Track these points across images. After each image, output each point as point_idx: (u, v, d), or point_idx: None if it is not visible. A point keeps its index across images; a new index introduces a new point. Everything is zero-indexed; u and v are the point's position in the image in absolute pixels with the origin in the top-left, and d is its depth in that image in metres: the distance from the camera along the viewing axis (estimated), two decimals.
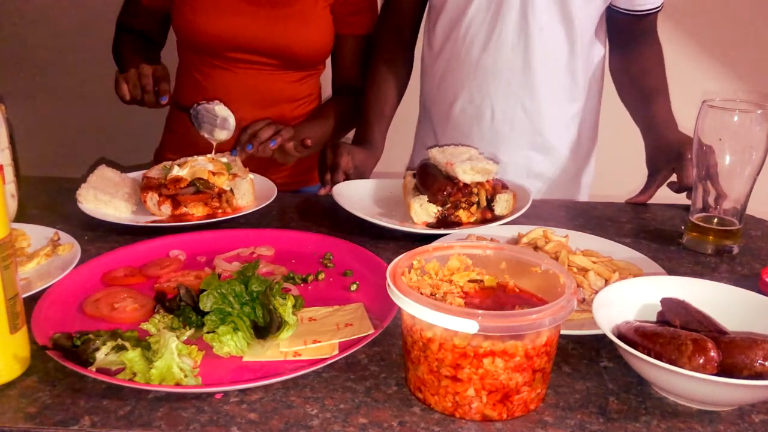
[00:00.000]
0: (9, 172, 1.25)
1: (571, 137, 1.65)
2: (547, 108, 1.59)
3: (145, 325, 0.90)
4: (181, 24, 1.62)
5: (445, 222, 1.28)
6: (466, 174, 1.27)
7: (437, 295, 0.84)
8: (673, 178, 1.44)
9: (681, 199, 1.42)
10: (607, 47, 1.65)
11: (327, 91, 1.83)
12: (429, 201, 1.28)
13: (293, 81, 1.69)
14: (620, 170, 1.94)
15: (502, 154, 1.61)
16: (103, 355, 0.82)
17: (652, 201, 1.48)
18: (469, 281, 0.88)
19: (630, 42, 1.62)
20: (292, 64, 1.66)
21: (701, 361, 0.76)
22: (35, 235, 1.17)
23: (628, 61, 1.64)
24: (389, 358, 0.88)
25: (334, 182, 1.43)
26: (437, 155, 1.35)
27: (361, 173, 1.52)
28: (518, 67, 1.54)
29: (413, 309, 0.75)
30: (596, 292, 0.91)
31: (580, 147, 1.68)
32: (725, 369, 0.77)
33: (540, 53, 1.53)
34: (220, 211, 1.32)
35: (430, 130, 1.72)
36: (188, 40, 1.64)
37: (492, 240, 1.17)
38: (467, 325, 0.72)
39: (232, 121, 1.47)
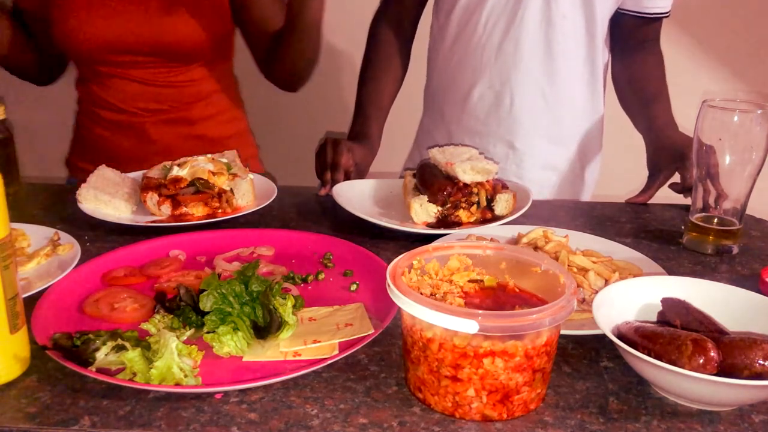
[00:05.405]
0: None
1: (585, 130, 1.65)
2: (567, 98, 1.59)
3: (145, 325, 0.90)
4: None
5: (445, 222, 1.28)
6: (466, 174, 1.27)
7: (437, 295, 0.84)
8: (675, 178, 1.44)
9: (681, 199, 1.42)
10: (610, 56, 1.66)
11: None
12: (429, 201, 1.28)
13: (198, 78, 1.63)
14: (621, 170, 1.94)
15: (519, 144, 1.61)
16: (103, 355, 0.82)
17: (652, 201, 1.48)
18: (469, 281, 0.88)
19: (633, 48, 1.63)
20: (180, 58, 1.58)
21: (701, 361, 0.76)
22: (35, 235, 1.17)
23: (630, 66, 1.64)
24: (389, 358, 0.88)
25: (334, 181, 1.42)
26: (437, 155, 1.35)
27: (361, 171, 1.51)
28: (539, 54, 1.54)
29: (413, 309, 0.75)
30: (596, 292, 0.91)
31: (590, 143, 1.67)
32: (725, 369, 0.77)
33: (561, 41, 1.53)
34: (220, 211, 1.32)
35: (439, 121, 1.70)
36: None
37: (492, 240, 1.17)
38: (467, 325, 0.72)
39: None
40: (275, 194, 1.36)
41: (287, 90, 1.69)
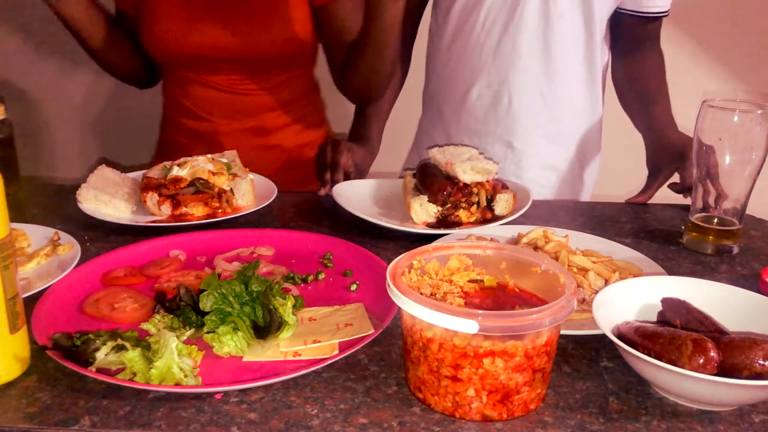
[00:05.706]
0: None
1: (584, 130, 1.65)
2: (566, 97, 1.59)
3: (145, 325, 0.90)
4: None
5: (445, 222, 1.28)
6: (466, 174, 1.27)
7: (437, 295, 0.84)
8: (675, 178, 1.44)
9: (681, 199, 1.42)
10: (610, 56, 1.66)
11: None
12: (429, 201, 1.28)
13: (274, 86, 1.61)
14: (620, 170, 1.94)
15: (518, 143, 1.61)
16: (103, 355, 0.82)
17: (652, 201, 1.48)
18: (469, 281, 0.88)
19: (633, 48, 1.63)
20: (260, 66, 1.57)
21: (701, 361, 0.76)
22: (35, 235, 1.17)
23: (630, 66, 1.64)
24: (389, 358, 0.88)
25: (334, 181, 1.42)
26: (437, 155, 1.35)
27: (361, 171, 1.51)
28: (537, 53, 1.54)
29: (413, 309, 0.75)
30: (596, 292, 0.91)
31: (588, 143, 1.67)
32: (725, 369, 0.77)
33: (559, 40, 1.53)
34: (220, 211, 1.32)
35: (437, 121, 1.70)
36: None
37: (492, 240, 1.17)
38: (467, 325, 0.72)
39: None
40: (275, 194, 1.36)
41: (360, 104, 1.67)
